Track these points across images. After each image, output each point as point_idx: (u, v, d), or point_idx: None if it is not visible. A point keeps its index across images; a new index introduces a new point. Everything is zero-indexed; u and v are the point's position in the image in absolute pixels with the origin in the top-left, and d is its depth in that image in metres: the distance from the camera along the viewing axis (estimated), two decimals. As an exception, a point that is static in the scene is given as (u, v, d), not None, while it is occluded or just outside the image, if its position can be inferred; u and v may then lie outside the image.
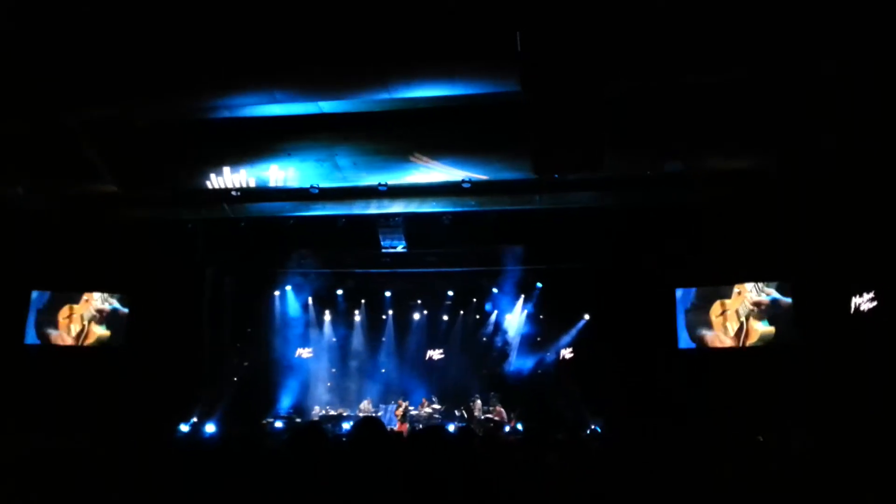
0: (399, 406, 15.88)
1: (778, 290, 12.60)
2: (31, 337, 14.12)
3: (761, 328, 12.71)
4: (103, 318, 14.44)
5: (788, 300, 12.44)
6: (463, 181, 10.62)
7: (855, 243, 10.37)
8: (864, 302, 10.50)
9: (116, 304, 14.51)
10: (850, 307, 10.72)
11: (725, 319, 13.05)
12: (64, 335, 14.26)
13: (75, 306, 14.42)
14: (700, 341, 13.28)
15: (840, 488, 4.48)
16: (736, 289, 13.03)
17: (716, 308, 13.20)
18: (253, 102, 8.95)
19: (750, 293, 12.89)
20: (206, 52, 7.90)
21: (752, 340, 12.76)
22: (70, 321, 14.33)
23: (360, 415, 16.26)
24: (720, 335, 13.09)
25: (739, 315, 12.92)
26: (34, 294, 14.26)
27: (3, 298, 13.73)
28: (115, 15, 7.32)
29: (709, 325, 13.19)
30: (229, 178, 10.74)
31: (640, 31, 7.12)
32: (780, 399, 11.22)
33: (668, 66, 7.64)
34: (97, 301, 14.48)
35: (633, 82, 8.07)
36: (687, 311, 13.48)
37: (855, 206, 10.00)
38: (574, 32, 7.10)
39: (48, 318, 14.28)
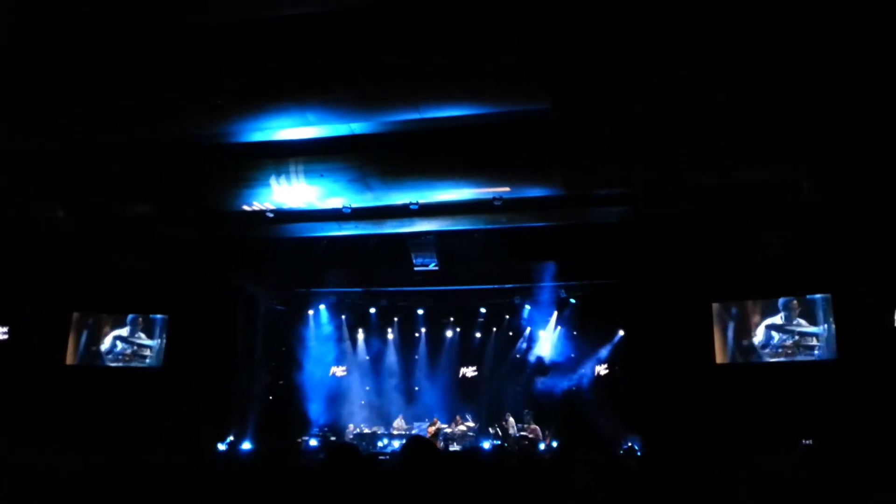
0: (432, 424, 15.86)
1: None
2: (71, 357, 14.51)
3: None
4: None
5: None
6: (494, 198, 10.63)
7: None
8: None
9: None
10: (893, 320, 10.49)
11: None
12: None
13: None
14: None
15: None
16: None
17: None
18: (285, 125, 9.09)
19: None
20: (238, 72, 8.05)
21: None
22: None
23: (395, 432, 16.28)
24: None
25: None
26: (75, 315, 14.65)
27: (44, 320, 14.07)
28: (149, 40, 7.49)
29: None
30: (263, 199, 10.92)
31: (668, 48, 7.10)
32: (822, 413, 10.98)
33: (698, 83, 7.60)
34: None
35: (663, 98, 8.02)
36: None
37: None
38: (604, 50, 7.11)
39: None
